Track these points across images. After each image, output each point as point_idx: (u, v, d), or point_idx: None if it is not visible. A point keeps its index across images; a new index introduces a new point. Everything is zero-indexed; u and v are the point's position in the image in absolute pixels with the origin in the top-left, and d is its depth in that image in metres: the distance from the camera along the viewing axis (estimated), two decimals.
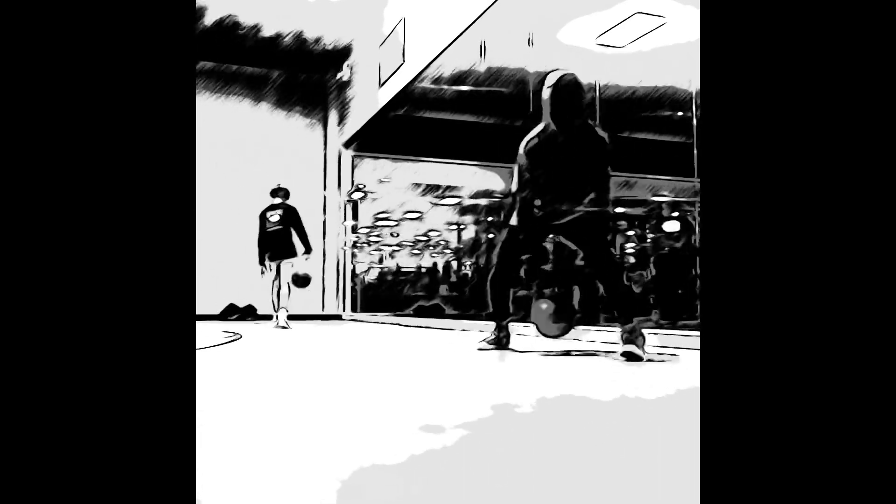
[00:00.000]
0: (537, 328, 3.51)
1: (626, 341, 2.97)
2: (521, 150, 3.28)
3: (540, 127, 3.26)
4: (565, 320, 3.41)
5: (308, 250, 7.07)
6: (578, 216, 3.19)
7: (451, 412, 1.53)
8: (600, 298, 5.64)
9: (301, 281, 6.96)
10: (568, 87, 3.09)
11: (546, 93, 3.15)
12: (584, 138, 3.15)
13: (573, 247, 3.29)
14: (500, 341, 3.50)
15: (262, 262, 7.20)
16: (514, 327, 3.81)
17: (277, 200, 7.24)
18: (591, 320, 5.03)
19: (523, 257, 3.43)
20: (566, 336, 3.55)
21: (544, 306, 3.41)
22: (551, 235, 3.43)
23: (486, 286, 3.55)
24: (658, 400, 1.82)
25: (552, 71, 3.25)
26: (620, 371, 2.49)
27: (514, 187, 3.37)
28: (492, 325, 3.62)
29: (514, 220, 3.39)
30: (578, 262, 3.38)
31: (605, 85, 5.25)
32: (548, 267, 3.57)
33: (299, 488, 0.88)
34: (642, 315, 3.55)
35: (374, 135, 10.19)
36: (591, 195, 3.17)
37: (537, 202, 3.26)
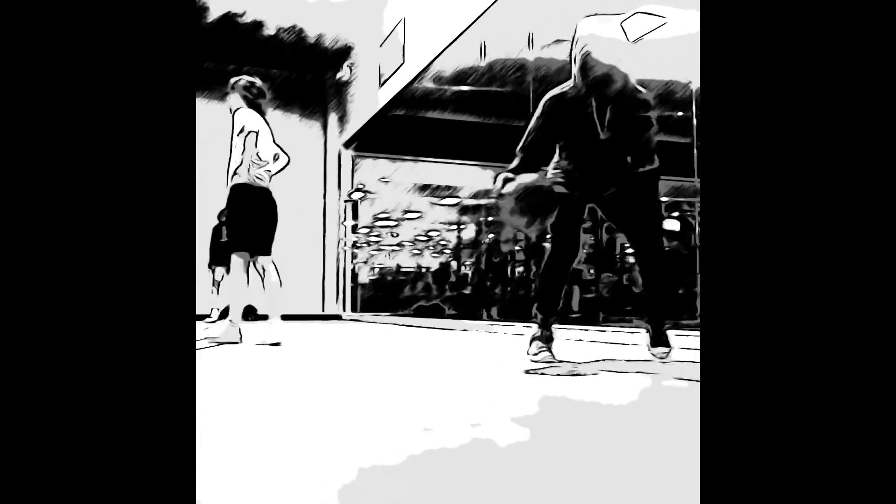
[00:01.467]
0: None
1: (661, 355, 2.78)
2: (543, 101, 2.68)
3: (570, 83, 2.63)
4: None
5: None
6: (621, 184, 2.67)
7: (450, 413, 1.53)
8: (602, 297, 5.64)
9: None
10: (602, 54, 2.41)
11: (576, 50, 2.47)
12: (621, 104, 2.56)
13: (616, 227, 2.78)
14: (550, 348, 2.71)
15: (212, 266, 7.88)
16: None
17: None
18: (590, 321, 5.03)
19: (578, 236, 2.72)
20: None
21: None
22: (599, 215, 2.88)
23: (539, 276, 2.84)
24: (657, 400, 1.82)
25: (589, 16, 2.52)
26: (618, 372, 2.48)
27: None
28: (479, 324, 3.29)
29: (556, 188, 2.59)
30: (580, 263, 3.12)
31: None
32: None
33: (299, 489, 0.88)
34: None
35: (374, 135, 10.19)
36: (630, 158, 2.62)
37: (565, 169, 2.63)
